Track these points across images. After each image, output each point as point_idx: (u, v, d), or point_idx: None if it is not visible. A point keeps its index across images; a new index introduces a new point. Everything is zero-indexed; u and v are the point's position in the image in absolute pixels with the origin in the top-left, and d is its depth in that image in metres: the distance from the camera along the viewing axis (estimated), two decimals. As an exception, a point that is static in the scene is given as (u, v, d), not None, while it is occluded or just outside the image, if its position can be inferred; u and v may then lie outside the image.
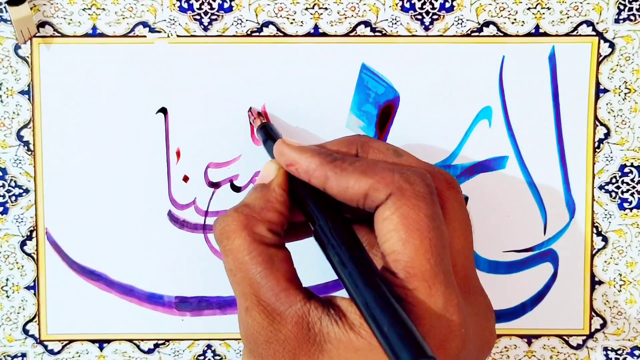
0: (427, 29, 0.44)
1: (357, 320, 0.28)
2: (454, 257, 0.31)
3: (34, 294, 0.45)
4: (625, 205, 0.45)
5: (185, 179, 0.44)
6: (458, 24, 0.44)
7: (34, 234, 0.44)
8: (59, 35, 0.43)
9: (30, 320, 0.45)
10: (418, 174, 0.30)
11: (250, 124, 0.42)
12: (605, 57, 0.44)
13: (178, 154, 0.44)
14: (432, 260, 0.28)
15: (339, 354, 0.28)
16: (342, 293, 0.31)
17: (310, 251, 0.45)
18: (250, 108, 0.43)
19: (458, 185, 0.34)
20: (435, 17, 0.44)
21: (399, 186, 0.29)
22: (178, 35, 0.44)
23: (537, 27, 0.44)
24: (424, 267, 0.28)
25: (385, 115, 0.44)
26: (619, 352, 0.46)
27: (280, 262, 0.31)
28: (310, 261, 0.45)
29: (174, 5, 0.43)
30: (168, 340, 0.45)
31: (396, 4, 0.43)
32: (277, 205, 0.32)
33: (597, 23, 0.44)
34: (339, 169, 0.31)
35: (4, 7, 0.43)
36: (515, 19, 0.44)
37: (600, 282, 0.45)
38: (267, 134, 0.38)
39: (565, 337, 0.46)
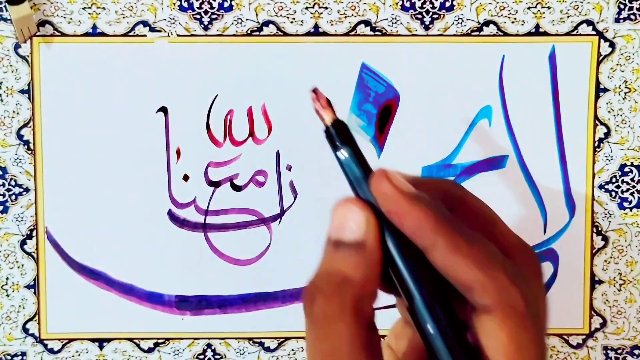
0: (427, 28, 0.44)
1: None
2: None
3: (34, 293, 0.45)
4: (625, 204, 0.45)
5: (186, 178, 0.44)
6: (458, 23, 0.44)
7: (34, 233, 0.44)
8: (59, 34, 0.43)
9: (30, 319, 0.45)
10: (533, 278, 0.27)
11: (316, 111, 0.28)
12: (606, 56, 0.44)
13: (178, 153, 0.44)
14: None
15: None
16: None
17: (311, 252, 0.45)
18: (316, 89, 0.29)
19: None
20: (435, 16, 0.44)
21: (511, 300, 0.25)
22: (178, 35, 0.44)
23: (537, 26, 0.44)
24: None
25: (386, 114, 0.44)
26: (619, 351, 0.46)
27: (378, 346, 0.27)
28: (311, 259, 0.45)
29: (174, 4, 0.43)
30: (168, 339, 0.45)
31: (396, 3, 0.43)
32: (378, 272, 0.26)
33: (597, 22, 0.44)
34: (453, 245, 0.25)
35: (4, 6, 0.43)
36: (515, 19, 0.44)
37: (600, 282, 0.45)
38: (347, 140, 0.27)
39: (565, 336, 0.46)
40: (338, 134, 0.27)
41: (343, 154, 0.27)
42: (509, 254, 0.27)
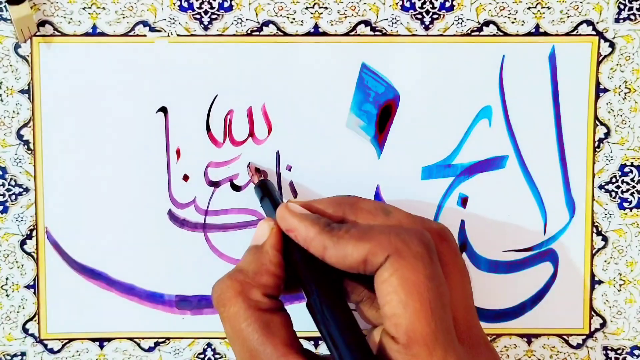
0: (427, 28, 0.44)
1: None
2: (455, 310, 0.30)
3: (34, 292, 0.45)
4: (625, 204, 0.45)
5: (186, 178, 0.44)
6: (458, 23, 0.44)
7: (33, 233, 0.44)
8: (59, 34, 0.43)
9: (30, 319, 0.45)
10: (415, 234, 0.30)
11: (250, 178, 0.43)
12: (606, 56, 0.44)
13: (178, 153, 0.44)
14: (433, 323, 0.28)
15: None
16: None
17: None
18: (249, 164, 0.43)
19: (451, 234, 0.34)
20: (435, 16, 0.44)
21: (396, 248, 0.29)
22: (178, 35, 0.44)
23: (537, 26, 0.44)
24: (424, 331, 0.27)
25: (385, 114, 0.44)
26: (619, 351, 0.46)
27: (277, 327, 0.31)
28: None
29: (174, 4, 0.43)
30: (168, 339, 0.45)
31: (396, 4, 0.43)
32: (271, 268, 0.33)
33: (597, 22, 0.44)
34: (335, 237, 0.31)
35: (4, 6, 0.43)
36: (515, 19, 0.44)
37: (600, 282, 0.45)
38: (265, 191, 0.39)
39: (565, 337, 0.46)
40: (260, 189, 0.40)
41: (264, 202, 0.39)
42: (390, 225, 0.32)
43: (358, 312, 0.35)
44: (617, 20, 0.44)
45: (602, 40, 0.44)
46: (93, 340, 0.45)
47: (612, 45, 0.44)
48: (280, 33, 0.44)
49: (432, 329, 0.28)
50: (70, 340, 0.45)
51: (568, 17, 0.44)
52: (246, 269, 0.33)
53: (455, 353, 0.28)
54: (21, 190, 0.44)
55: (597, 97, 0.44)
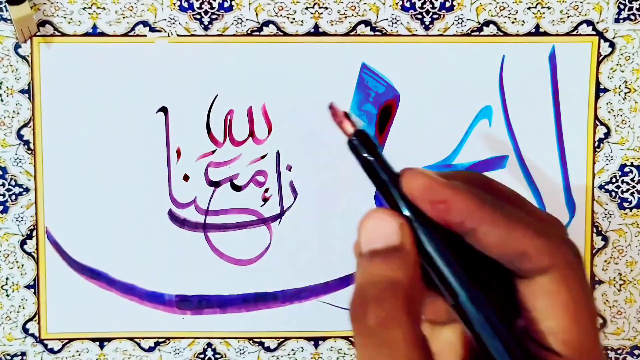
0: (427, 28, 0.44)
1: None
2: None
3: (34, 292, 0.45)
4: (625, 204, 0.45)
5: (186, 178, 0.44)
6: (458, 23, 0.44)
7: (34, 233, 0.44)
8: (59, 34, 0.43)
9: (30, 319, 0.45)
10: (571, 242, 0.27)
11: (337, 125, 0.29)
12: (606, 56, 0.44)
13: (178, 153, 0.44)
14: (596, 340, 0.27)
15: None
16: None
17: (311, 252, 0.45)
18: (332, 105, 0.29)
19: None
20: (435, 16, 0.44)
21: (566, 258, 0.26)
22: (178, 35, 0.44)
23: (537, 26, 0.44)
24: (590, 347, 0.27)
25: (386, 114, 0.44)
26: (619, 351, 0.46)
27: (427, 344, 0.26)
28: (311, 259, 0.45)
29: (174, 4, 0.43)
30: (169, 339, 0.45)
31: (396, 4, 0.43)
32: (419, 273, 0.26)
33: (597, 22, 0.44)
34: (502, 219, 0.26)
35: (4, 6, 0.43)
36: (515, 19, 0.44)
37: (600, 282, 0.45)
38: (372, 150, 0.27)
39: (565, 337, 0.46)
40: (361, 143, 0.27)
41: (369, 161, 0.27)
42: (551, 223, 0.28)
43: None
44: (617, 20, 0.44)
45: (602, 40, 0.44)
46: (93, 340, 0.45)
47: (612, 45, 0.44)
48: (280, 33, 0.44)
49: (596, 344, 0.27)
50: (70, 340, 0.45)
51: (568, 17, 0.44)
52: (400, 280, 0.26)
53: None
54: (21, 190, 0.44)
55: (597, 97, 0.44)
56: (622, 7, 0.44)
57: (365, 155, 0.27)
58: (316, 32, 0.44)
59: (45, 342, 0.45)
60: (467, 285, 0.26)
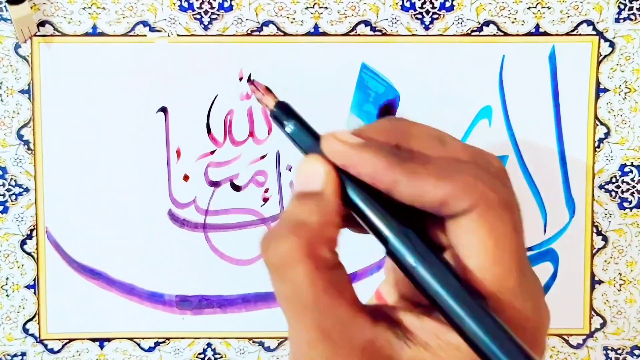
0: (427, 28, 0.44)
1: (434, 341, 0.27)
2: None
3: (34, 292, 0.45)
4: (625, 204, 0.45)
5: (186, 178, 0.44)
6: (458, 23, 0.44)
7: (34, 233, 0.44)
8: (59, 34, 0.43)
9: (30, 319, 0.45)
10: (499, 178, 0.27)
11: (258, 100, 0.31)
12: (606, 56, 0.44)
13: (178, 153, 0.44)
14: (521, 277, 0.27)
15: None
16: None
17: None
18: (253, 80, 0.33)
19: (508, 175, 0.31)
20: (435, 16, 0.44)
21: (483, 195, 0.26)
22: (178, 35, 0.44)
23: (537, 26, 0.44)
24: (513, 286, 0.27)
25: (386, 114, 0.44)
26: (619, 351, 0.46)
27: (345, 286, 0.27)
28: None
29: (174, 4, 0.43)
30: (169, 339, 0.45)
31: (396, 3, 0.43)
32: (336, 219, 0.27)
33: (598, 22, 0.44)
34: (409, 171, 0.26)
35: (4, 6, 0.43)
36: (515, 19, 0.44)
37: (600, 282, 0.45)
38: (293, 115, 0.29)
39: (565, 337, 0.46)
40: (282, 112, 0.29)
41: (290, 128, 0.29)
42: (468, 161, 0.28)
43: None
44: (617, 20, 0.44)
45: (602, 40, 0.44)
46: (93, 340, 0.45)
47: (612, 45, 0.44)
48: (280, 33, 0.44)
49: (520, 283, 0.27)
50: (70, 340, 0.45)
51: (568, 17, 0.44)
52: (309, 222, 0.27)
53: (534, 297, 0.27)
54: (21, 190, 0.44)
55: (597, 97, 0.44)
56: (622, 7, 0.44)
57: (287, 123, 0.29)
58: (316, 32, 0.44)
59: (45, 342, 0.45)
60: (395, 229, 0.27)
